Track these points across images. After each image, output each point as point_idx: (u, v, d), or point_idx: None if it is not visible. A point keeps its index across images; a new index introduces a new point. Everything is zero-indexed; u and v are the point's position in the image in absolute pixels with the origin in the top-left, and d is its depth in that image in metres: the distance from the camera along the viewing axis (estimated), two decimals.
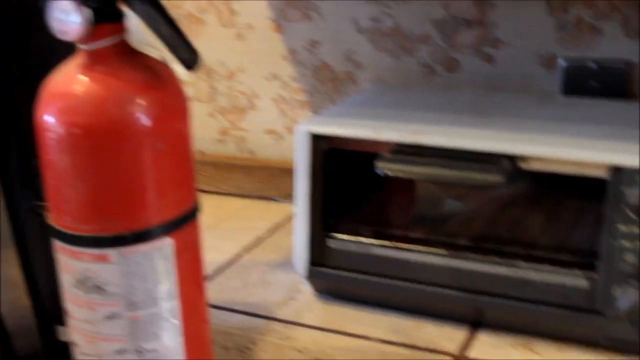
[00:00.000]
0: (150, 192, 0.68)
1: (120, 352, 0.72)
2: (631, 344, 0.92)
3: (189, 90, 1.53)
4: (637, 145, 0.90)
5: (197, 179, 0.74)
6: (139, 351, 0.72)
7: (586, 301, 0.93)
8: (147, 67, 0.69)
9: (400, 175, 0.98)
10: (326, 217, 1.05)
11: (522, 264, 0.96)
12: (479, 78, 1.31)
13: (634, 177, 0.87)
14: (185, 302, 0.74)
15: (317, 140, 1.02)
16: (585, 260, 0.94)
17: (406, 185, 1.17)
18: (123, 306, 0.70)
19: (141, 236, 0.69)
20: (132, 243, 0.69)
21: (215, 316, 1.05)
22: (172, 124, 0.70)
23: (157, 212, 0.69)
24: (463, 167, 0.92)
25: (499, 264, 0.97)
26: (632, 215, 0.88)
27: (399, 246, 1.02)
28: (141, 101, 0.66)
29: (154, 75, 0.69)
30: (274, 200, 1.46)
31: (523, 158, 0.93)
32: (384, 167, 0.95)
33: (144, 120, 0.66)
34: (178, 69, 0.70)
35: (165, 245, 0.70)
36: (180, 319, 0.73)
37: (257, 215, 1.41)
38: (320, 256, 1.05)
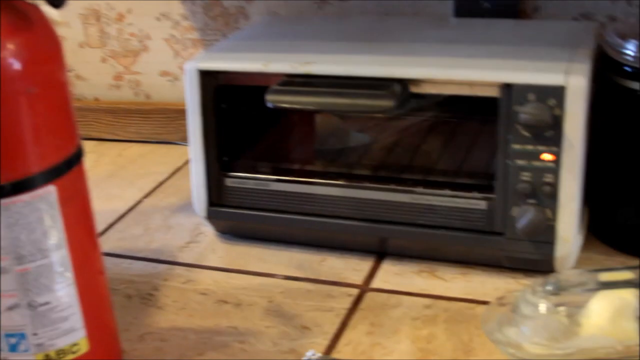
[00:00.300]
0: (27, 139, 0.66)
1: (13, 307, 0.70)
2: (531, 262, 0.93)
3: (79, 36, 1.48)
4: (527, 62, 0.90)
5: (77, 122, 0.72)
6: (32, 305, 0.70)
7: (486, 223, 0.93)
8: (14, 10, 0.67)
9: (290, 106, 0.96)
10: (222, 156, 1.03)
11: (422, 190, 0.96)
12: (371, 5, 1.30)
13: (524, 94, 0.87)
14: (76, 252, 0.72)
15: (206, 77, 0.99)
16: (483, 182, 0.94)
17: (304, 119, 1.16)
18: (10, 260, 0.69)
19: (21, 185, 0.67)
20: (13, 194, 0.67)
21: (116, 265, 1.03)
22: (44, 67, 0.68)
23: (35, 160, 0.67)
24: (353, 94, 0.91)
25: (399, 191, 0.97)
26: (525, 133, 0.88)
27: (298, 180, 1.01)
28: (9, 45, 0.64)
29: (22, 18, 0.67)
30: (174, 143, 1.43)
31: (414, 81, 0.92)
32: (273, 100, 0.93)
33: (14, 64, 0.64)
34: (50, 10, 0.68)
35: (48, 193, 0.68)
36: (73, 270, 0.72)
37: (158, 160, 1.39)
38: (218, 196, 1.03)
